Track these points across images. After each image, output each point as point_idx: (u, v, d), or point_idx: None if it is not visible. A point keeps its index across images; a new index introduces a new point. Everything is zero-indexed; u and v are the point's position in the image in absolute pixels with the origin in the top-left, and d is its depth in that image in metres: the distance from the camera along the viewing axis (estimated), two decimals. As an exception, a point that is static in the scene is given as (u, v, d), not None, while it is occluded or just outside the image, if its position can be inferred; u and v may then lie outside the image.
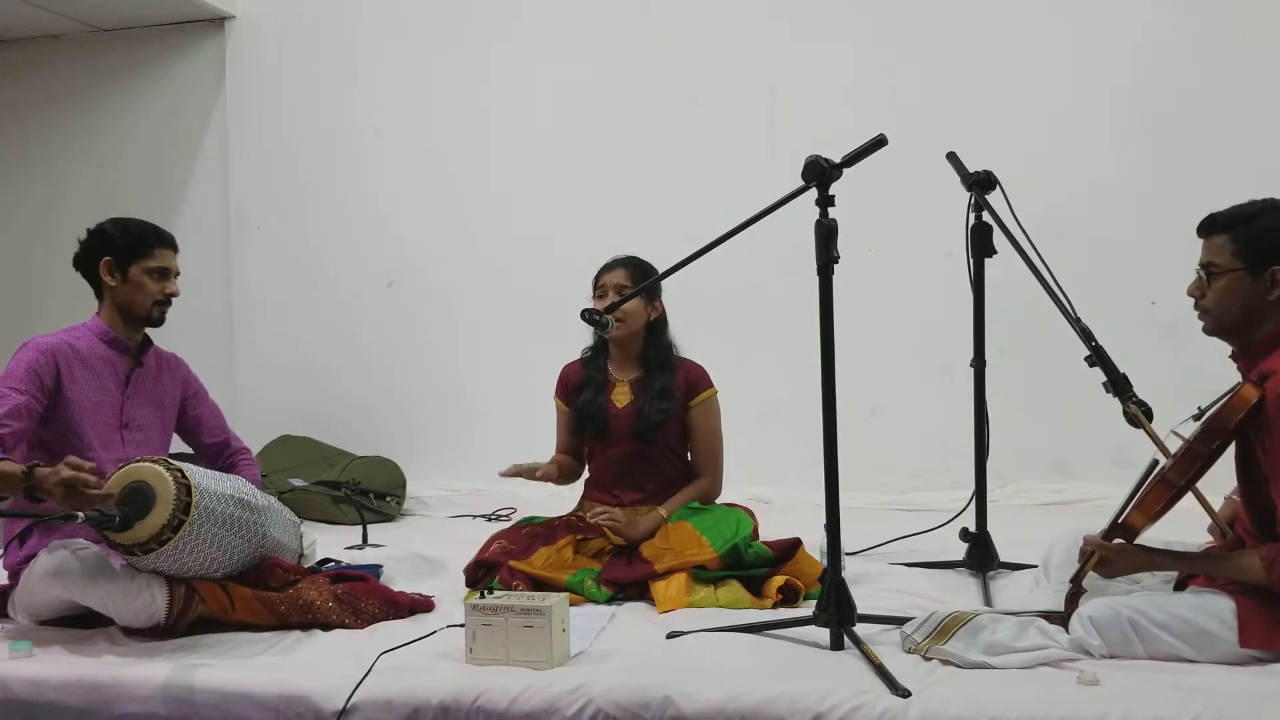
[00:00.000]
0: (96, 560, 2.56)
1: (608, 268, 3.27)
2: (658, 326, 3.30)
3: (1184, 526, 2.58)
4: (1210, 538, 2.58)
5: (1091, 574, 2.35)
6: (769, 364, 4.59)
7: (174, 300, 2.92)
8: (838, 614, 2.34)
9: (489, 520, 4.30)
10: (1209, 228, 2.31)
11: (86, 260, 2.88)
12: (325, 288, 5.22)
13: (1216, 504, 2.61)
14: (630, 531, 3.10)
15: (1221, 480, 2.43)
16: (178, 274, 2.93)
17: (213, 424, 3.13)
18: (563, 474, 3.33)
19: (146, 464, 2.51)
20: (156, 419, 2.96)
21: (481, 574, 2.96)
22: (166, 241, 2.91)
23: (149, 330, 2.96)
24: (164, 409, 2.99)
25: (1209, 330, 2.35)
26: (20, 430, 2.64)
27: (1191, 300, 2.35)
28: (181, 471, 2.51)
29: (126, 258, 2.84)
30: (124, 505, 2.43)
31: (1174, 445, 2.34)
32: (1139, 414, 2.46)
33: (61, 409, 2.76)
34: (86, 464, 2.44)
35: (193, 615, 2.56)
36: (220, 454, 3.13)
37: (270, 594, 2.63)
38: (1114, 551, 2.29)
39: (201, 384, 3.14)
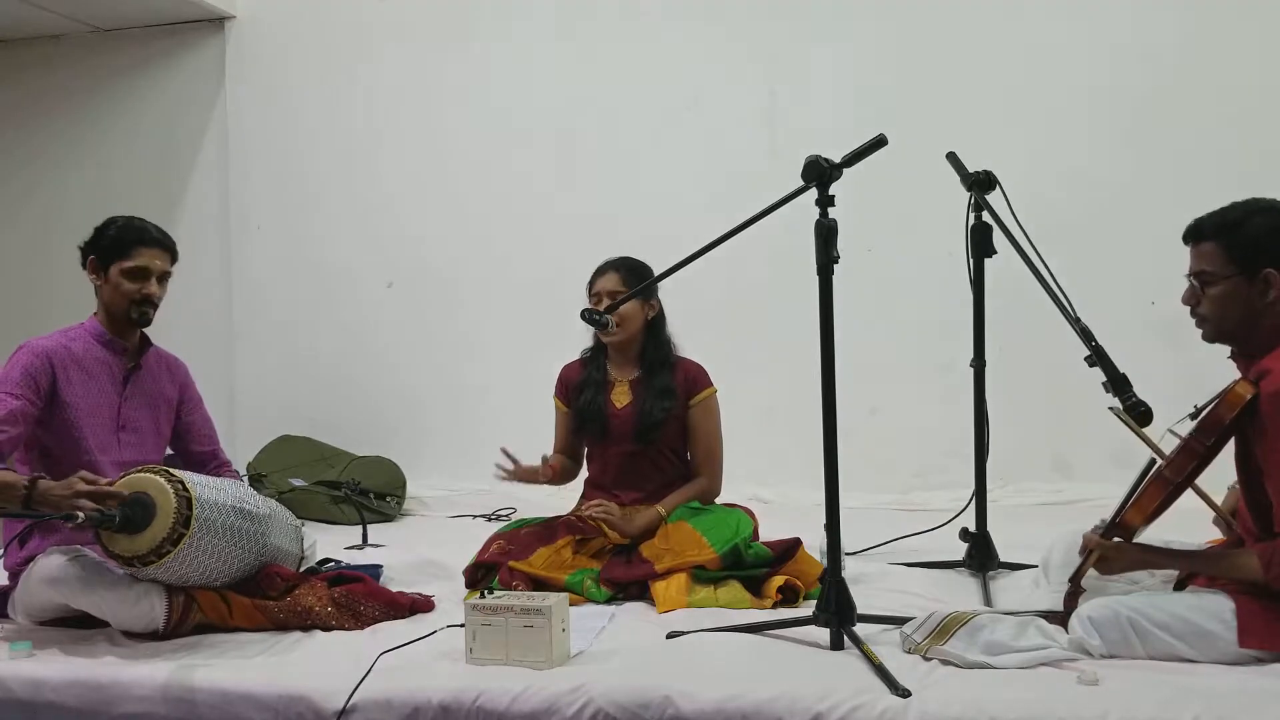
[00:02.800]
0: (94, 567, 2.55)
1: (600, 272, 3.27)
2: (655, 325, 3.28)
3: (1184, 526, 2.57)
4: (1217, 533, 2.58)
5: (1091, 573, 2.36)
6: (769, 364, 4.59)
7: (159, 302, 2.82)
8: (838, 614, 2.34)
9: (489, 520, 4.29)
10: (1196, 235, 2.30)
11: (83, 257, 2.83)
12: (325, 287, 5.22)
13: (1219, 498, 2.60)
14: (626, 526, 3.10)
15: (1222, 474, 2.43)
16: (165, 275, 2.83)
17: (203, 433, 3.06)
18: (559, 475, 3.32)
19: (147, 474, 2.49)
20: (152, 421, 2.92)
21: (481, 575, 2.96)
22: (149, 241, 2.80)
23: (147, 330, 2.91)
24: (160, 411, 2.94)
25: (1209, 338, 2.34)
26: (15, 436, 2.61)
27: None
28: (183, 483, 2.48)
29: (107, 257, 2.78)
30: (125, 507, 2.41)
31: (1171, 444, 2.34)
32: (1125, 417, 2.43)
33: (59, 412, 2.72)
34: (102, 480, 2.44)
35: (191, 623, 2.55)
36: (205, 464, 3.03)
37: (269, 602, 2.62)
38: (1111, 550, 2.29)
39: (198, 392, 3.07)
